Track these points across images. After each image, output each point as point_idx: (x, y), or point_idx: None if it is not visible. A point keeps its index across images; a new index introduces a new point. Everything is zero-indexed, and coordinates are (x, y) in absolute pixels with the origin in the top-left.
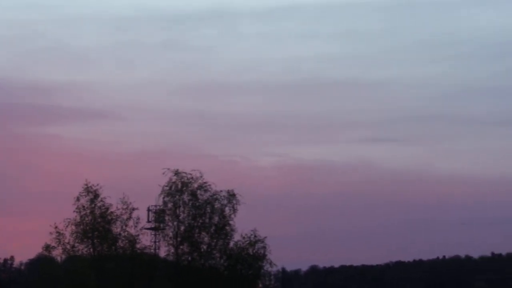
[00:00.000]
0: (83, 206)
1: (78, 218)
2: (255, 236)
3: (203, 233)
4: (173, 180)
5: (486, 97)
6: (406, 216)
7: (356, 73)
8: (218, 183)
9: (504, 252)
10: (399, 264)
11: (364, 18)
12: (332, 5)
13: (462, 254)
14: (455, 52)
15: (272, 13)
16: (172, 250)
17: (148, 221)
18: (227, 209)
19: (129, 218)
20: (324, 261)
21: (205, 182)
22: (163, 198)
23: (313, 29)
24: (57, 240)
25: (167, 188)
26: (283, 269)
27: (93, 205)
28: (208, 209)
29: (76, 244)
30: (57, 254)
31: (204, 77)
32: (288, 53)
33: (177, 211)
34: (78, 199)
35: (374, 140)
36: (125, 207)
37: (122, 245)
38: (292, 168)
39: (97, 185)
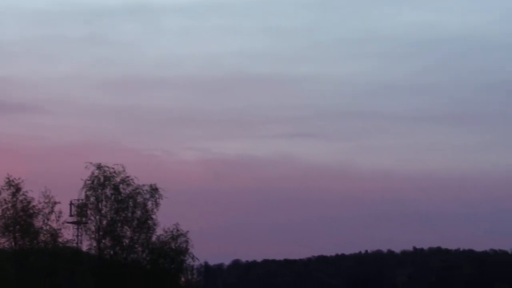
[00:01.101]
0: (5, 200)
1: None
2: (177, 230)
3: (126, 227)
4: (96, 174)
5: (405, 94)
6: (328, 210)
7: (278, 69)
8: (141, 177)
9: (425, 247)
10: (321, 258)
11: (286, 15)
12: (254, 1)
13: (384, 248)
14: (375, 49)
15: (195, 8)
16: (94, 244)
17: (71, 215)
18: (149, 203)
19: (51, 212)
20: (246, 255)
21: (127, 176)
22: (86, 192)
23: (235, 24)
24: None
25: (90, 182)
26: (206, 263)
27: (14, 199)
28: (131, 203)
29: None
30: None
31: (126, 71)
32: (211, 49)
33: (100, 205)
34: None
35: (296, 135)
36: (47, 201)
37: (44, 239)
38: (214, 162)
39: (19, 179)
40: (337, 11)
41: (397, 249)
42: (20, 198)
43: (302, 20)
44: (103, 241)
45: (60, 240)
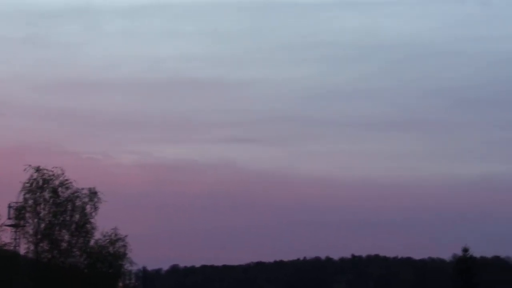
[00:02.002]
0: None
1: None
2: (115, 234)
3: (64, 230)
4: (34, 177)
5: (346, 100)
6: (268, 217)
7: (220, 73)
8: (80, 180)
9: (364, 254)
10: (260, 265)
11: (228, 18)
12: (196, 4)
13: (323, 255)
14: (316, 54)
15: (137, 10)
16: (32, 248)
17: (9, 218)
18: (88, 207)
19: None
20: (185, 261)
21: (66, 180)
22: (24, 195)
23: (177, 27)
24: None
25: (28, 185)
26: (144, 268)
27: None
28: (69, 207)
29: None
30: None
31: (67, 73)
32: (152, 51)
33: (38, 208)
34: None
35: (236, 140)
36: None
37: None
38: (154, 166)
39: None
40: (278, 15)
41: (336, 256)
42: None
43: (243, 24)
44: (41, 244)
45: None
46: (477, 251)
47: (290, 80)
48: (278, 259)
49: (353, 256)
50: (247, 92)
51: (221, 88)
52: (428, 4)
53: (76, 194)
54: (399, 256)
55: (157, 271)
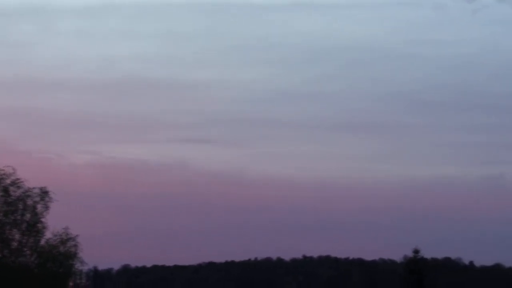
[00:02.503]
0: None
1: None
2: (66, 234)
3: (15, 230)
4: None
5: (301, 101)
6: (220, 217)
7: (173, 74)
8: (31, 180)
9: (315, 255)
10: (211, 265)
11: (183, 19)
12: (150, 4)
13: (274, 256)
14: (272, 56)
15: (91, 10)
16: None
17: None
18: (39, 206)
19: None
20: (136, 261)
21: (18, 179)
22: None
23: (132, 28)
24: None
25: None
26: (95, 268)
27: None
28: (20, 206)
29: None
30: None
31: (21, 72)
32: (106, 51)
33: None
34: None
35: (190, 141)
36: None
37: None
38: (106, 166)
39: None
40: (234, 17)
41: (287, 257)
42: None
43: (198, 25)
44: None
45: None
46: (428, 253)
47: (243, 82)
48: (229, 259)
49: (304, 257)
50: (201, 93)
51: (174, 88)
52: (382, 8)
53: (27, 194)
54: (350, 257)
55: (108, 271)
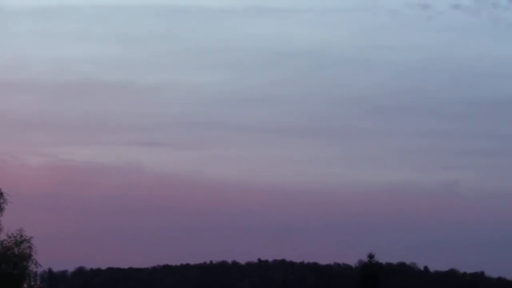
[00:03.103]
0: None
1: None
2: (21, 236)
3: None
4: None
5: (256, 105)
6: (175, 220)
7: (129, 77)
8: None
9: (270, 259)
10: (166, 268)
11: (138, 22)
12: (105, 6)
13: (229, 259)
14: (227, 59)
15: (46, 12)
16: None
17: None
18: None
19: None
20: (91, 263)
21: None
22: None
23: (87, 30)
24: None
25: None
26: (50, 270)
27: None
28: None
29: None
30: None
31: None
32: (60, 53)
33: None
34: None
35: (145, 143)
36: None
37: None
38: (62, 168)
39: None
40: (190, 20)
41: (242, 260)
42: None
43: (154, 27)
44: None
45: None
46: (382, 258)
47: (199, 85)
48: (184, 262)
49: (260, 261)
50: (157, 96)
51: (130, 91)
52: (339, 13)
53: None
54: (305, 261)
55: (63, 273)
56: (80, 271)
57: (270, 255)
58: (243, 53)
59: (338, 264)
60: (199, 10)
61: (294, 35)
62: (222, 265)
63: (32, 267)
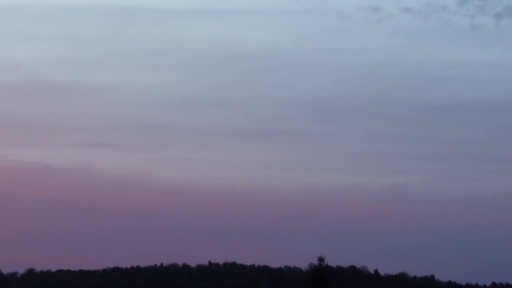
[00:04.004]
0: None
1: None
2: None
3: None
4: None
5: (204, 108)
6: (125, 222)
7: (76, 78)
8: None
9: (221, 262)
10: (116, 270)
11: (87, 23)
12: (53, 7)
13: (180, 262)
14: (176, 62)
15: None
16: None
17: None
18: None
19: None
20: (41, 265)
21: None
22: None
23: (34, 30)
24: None
25: None
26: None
27: None
28: None
29: None
30: None
31: None
32: (7, 54)
33: None
34: None
35: (94, 145)
36: None
37: None
38: (10, 169)
39: None
40: (138, 22)
41: (193, 263)
42: None
43: (103, 29)
44: None
45: None
46: (333, 261)
47: (147, 87)
48: (134, 264)
49: (210, 263)
50: (105, 98)
51: (78, 92)
52: (288, 16)
53: None
54: (256, 264)
55: (13, 275)
56: (30, 273)
57: (220, 257)
58: (191, 55)
59: (289, 267)
60: (148, 11)
61: (243, 38)
62: (173, 267)
63: None
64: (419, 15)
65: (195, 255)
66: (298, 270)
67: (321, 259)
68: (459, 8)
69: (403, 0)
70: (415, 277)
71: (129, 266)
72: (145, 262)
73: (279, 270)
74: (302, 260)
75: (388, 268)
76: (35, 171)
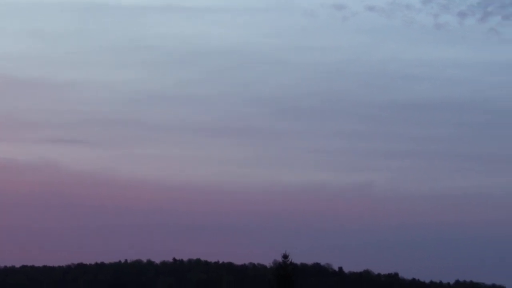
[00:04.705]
0: None
1: None
2: None
3: None
4: None
5: (171, 104)
6: (89, 218)
7: (43, 74)
8: None
9: (185, 258)
10: (81, 266)
11: (52, 18)
12: (21, 2)
13: (144, 258)
14: (142, 58)
15: None
16: None
17: None
18: None
19: None
20: (4, 261)
21: None
22: None
23: (0, 25)
24: None
25: None
26: None
27: None
28: None
29: None
30: None
31: None
32: None
33: None
34: None
35: (60, 141)
36: None
37: None
38: None
39: None
40: (105, 17)
41: (157, 259)
42: None
43: (70, 24)
44: None
45: None
46: (297, 258)
47: (115, 83)
48: (99, 261)
49: (175, 260)
50: (72, 93)
51: (45, 88)
52: (256, 13)
53: None
54: (220, 261)
55: None
56: None
57: (185, 254)
58: (159, 52)
59: (253, 264)
60: (116, 7)
61: (209, 35)
62: (137, 264)
63: None
64: (383, 13)
65: (159, 252)
66: (262, 267)
67: (285, 256)
68: (423, 6)
69: None
70: (379, 274)
71: (93, 263)
72: (109, 258)
73: (243, 267)
74: (267, 257)
75: (352, 265)
76: (0, 166)
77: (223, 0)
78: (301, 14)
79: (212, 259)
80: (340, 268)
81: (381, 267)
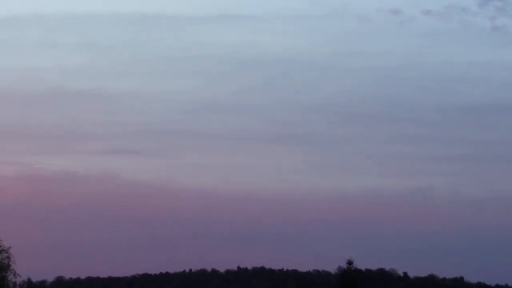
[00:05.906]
0: None
1: None
2: None
3: None
4: None
5: (227, 113)
6: (153, 228)
7: (98, 85)
8: None
9: (249, 266)
10: (145, 276)
11: (107, 30)
12: (73, 15)
13: (209, 267)
14: (197, 67)
15: (13, 21)
16: None
17: None
18: None
19: None
20: (70, 272)
21: None
22: None
23: (55, 38)
24: None
25: None
26: (29, 280)
27: None
28: None
29: None
30: None
31: None
32: (30, 62)
33: None
34: None
35: (117, 152)
36: None
37: None
38: (35, 178)
39: None
40: (157, 28)
41: (222, 268)
42: None
43: (123, 36)
44: None
45: None
46: (362, 264)
47: (169, 93)
48: (163, 271)
49: (239, 268)
50: (127, 104)
51: (101, 99)
52: (307, 20)
53: None
54: (285, 269)
55: (42, 283)
56: (59, 280)
57: (249, 262)
58: (212, 61)
59: (318, 271)
60: (167, 18)
61: (263, 43)
62: (202, 273)
63: (11, 277)
64: (440, 17)
65: (223, 260)
66: (327, 274)
67: (350, 262)
68: (479, 9)
69: (423, 2)
70: (444, 278)
71: (158, 273)
72: (174, 268)
73: (308, 274)
74: (331, 264)
75: (417, 270)
76: (60, 179)
77: (277, 8)
78: (355, 19)
79: (276, 266)
80: (405, 273)
81: (446, 271)
